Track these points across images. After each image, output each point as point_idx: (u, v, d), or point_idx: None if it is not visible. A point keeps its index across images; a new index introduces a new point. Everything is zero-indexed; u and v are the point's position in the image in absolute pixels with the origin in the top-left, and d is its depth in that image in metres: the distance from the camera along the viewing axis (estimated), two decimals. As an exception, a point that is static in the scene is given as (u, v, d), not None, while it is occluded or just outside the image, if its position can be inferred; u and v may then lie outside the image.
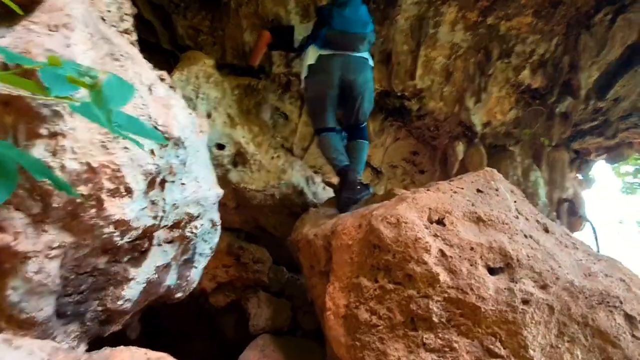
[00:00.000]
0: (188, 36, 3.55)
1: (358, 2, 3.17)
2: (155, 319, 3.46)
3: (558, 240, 2.35)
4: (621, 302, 2.08)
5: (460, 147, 4.96)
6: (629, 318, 2.07)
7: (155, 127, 1.67)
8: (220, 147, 2.94)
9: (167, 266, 2.11)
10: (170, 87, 2.11)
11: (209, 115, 2.85)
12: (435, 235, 2.16)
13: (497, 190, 2.38)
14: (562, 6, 3.86)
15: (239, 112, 3.13)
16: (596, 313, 2.04)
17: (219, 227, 2.34)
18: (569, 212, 6.16)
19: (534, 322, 2.00)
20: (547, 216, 2.99)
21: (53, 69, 0.63)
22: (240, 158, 3.02)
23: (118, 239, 1.74)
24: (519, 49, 4.18)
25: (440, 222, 2.21)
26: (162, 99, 1.79)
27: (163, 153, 1.73)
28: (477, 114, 4.52)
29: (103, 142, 1.55)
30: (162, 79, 2.08)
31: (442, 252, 2.11)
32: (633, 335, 2.04)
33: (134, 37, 2.19)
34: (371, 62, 3.29)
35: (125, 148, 1.61)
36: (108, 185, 1.60)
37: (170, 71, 3.44)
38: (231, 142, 2.98)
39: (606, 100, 4.86)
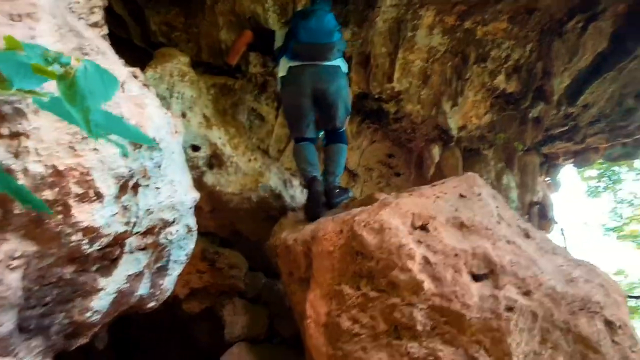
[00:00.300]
0: (161, 32, 3.41)
1: (323, 12, 3.14)
2: (125, 327, 3.30)
3: (539, 245, 2.35)
4: (601, 308, 2.09)
5: (436, 150, 4.98)
6: (608, 323, 2.09)
7: (129, 128, 1.56)
8: (196, 148, 2.82)
9: (139, 274, 1.98)
10: (144, 85, 1.99)
11: (183, 115, 2.73)
12: (419, 242, 2.12)
13: (479, 195, 2.36)
14: (537, 13, 3.92)
15: (215, 112, 3.01)
16: (578, 319, 2.05)
17: (195, 233, 2.23)
18: (539, 215, 6.30)
19: (518, 329, 1.98)
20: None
21: (12, 54, 0.53)
22: (216, 160, 2.91)
23: (87, 247, 1.62)
24: (495, 54, 4.22)
25: (423, 227, 2.17)
26: (136, 98, 1.67)
27: (137, 155, 1.62)
28: (454, 117, 4.54)
29: (71, 143, 1.43)
30: (135, 76, 1.96)
31: (426, 258, 2.07)
32: (613, 341, 2.05)
33: (105, 30, 2.07)
34: (344, 69, 3.28)
35: (95, 150, 1.49)
36: (76, 189, 1.48)
37: (142, 68, 3.30)
38: (207, 143, 2.86)
39: (576, 106, 4.97)
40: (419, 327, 2.00)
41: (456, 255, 2.09)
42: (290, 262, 2.64)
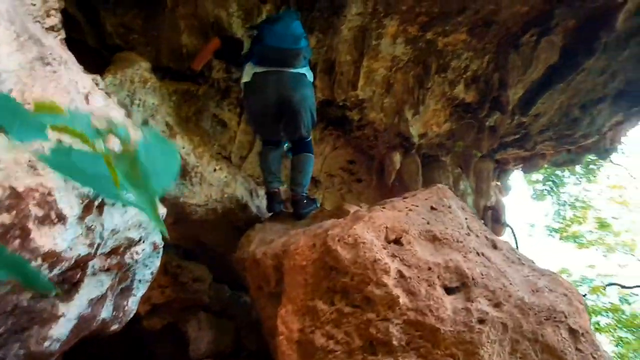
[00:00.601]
0: (118, 35, 3.23)
1: (290, 19, 3.13)
2: (79, 346, 3.10)
3: (505, 256, 2.42)
4: (566, 317, 2.17)
5: (397, 157, 5.04)
6: (572, 332, 2.17)
7: (95, 144, 1.44)
8: (158, 158, 2.69)
9: (102, 297, 1.86)
10: (105, 93, 1.87)
11: (145, 124, 2.59)
12: (393, 256, 2.12)
13: (449, 207, 2.39)
14: (495, 26, 4.05)
15: (178, 120, 2.89)
16: (544, 329, 2.11)
17: (161, 250, 2.12)
18: (493, 219, 6.54)
19: (489, 341, 2.02)
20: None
21: (6, 99, 0.45)
22: (179, 170, 2.79)
23: (46, 272, 1.50)
24: (455, 65, 4.33)
25: (397, 241, 2.17)
26: (101, 110, 1.56)
27: (103, 173, 1.51)
28: (415, 125, 4.61)
29: (31, 161, 1.32)
30: (95, 84, 1.83)
31: (400, 273, 2.07)
32: (577, 349, 2.13)
33: (62, 34, 1.92)
34: (310, 77, 3.26)
35: (58, 168, 1.37)
36: (36, 212, 1.36)
37: (97, 72, 3.11)
38: (170, 153, 2.74)
39: (528, 115, 5.19)
40: (395, 342, 2.00)
41: (429, 268, 2.10)
42: (260, 276, 2.57)
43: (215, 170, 2.94)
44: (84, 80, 1.53)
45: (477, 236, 2.39)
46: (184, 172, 2.80)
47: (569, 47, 4.37)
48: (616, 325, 8.44)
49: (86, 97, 1.50)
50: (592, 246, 10.72)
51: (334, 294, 2.15)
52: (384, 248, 2.12)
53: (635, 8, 4.01)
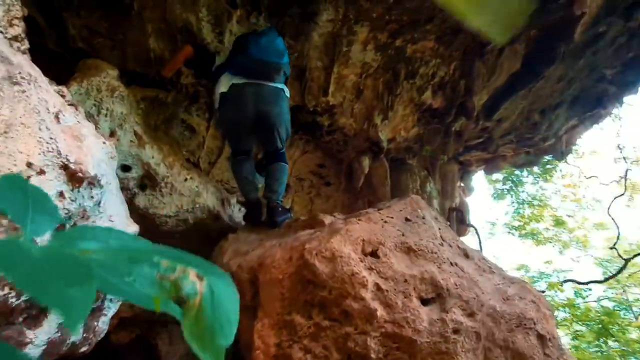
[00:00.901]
0: (82, 38, 3.10)
1: (274, 35, 3.15)
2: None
3: (477, 265, 2.48)
4: (534, 323, 2.26)
5: (366, 161, 5.09)
6: (540, 337, 2.26)
7: (67, 166, 1.38)
8: (126, 168, 2.60)
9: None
10: (71, 104, 1.79)
11: (112, 134, 2.50)
12: (370, 269, 2.13)
13: (423, 218, 2.44)
14: (462, 34, 4.14)
15: (147, 128, 2.80)
16: (515, 336, 2.19)
17: (132, 267, 2.05)
18: (458, 221, 6.71)
19: (464, 350, 2.07)
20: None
21: (13, 180, 0.41)
22: (149, 181, 2.70)
23: (14, 300, 1.43)
24: (423, 71, 4.40)
25: (374, 254, 2.19)
26: (72, 129, 1.49)
27: (75, 195, 1.44)
28: (384, 130, 4.67)
29: None
30: (61, 95, 1.75)
31: (377, 286, 2.09)
32: (545, 354, 2.22)
33: (26, 44, 1.83)
34: (287, 93, 3.27)
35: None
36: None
37: (60, 78, 2.98)
38: (139, 163, 2.65)
39: (492, 120, 5.36)
40: (373, 355, 2.02)
41: (405, 280, 2.14)
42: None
43: (186, 179, 2.87)
44: (54, 98, 1.46)
45: (450, 246, 2.45)
46: (154, 183, 2.71)
47: (530, 56, 4.54)
48: (572, 320, 8.88)
49: (56, 116, 1.43)
50: (549, 243, 11.21)
51: (311, 308, 2.14)
52: (361, 261, 2.14)
53: (592, 20, 4.20)
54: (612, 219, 7.97)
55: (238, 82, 2.97)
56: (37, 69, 1.47)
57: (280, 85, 3.15)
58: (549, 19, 4.05)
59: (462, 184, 7.76)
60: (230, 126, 3.14)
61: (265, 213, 3.37)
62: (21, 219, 0.37)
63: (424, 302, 2.15)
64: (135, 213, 2.74)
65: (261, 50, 2.96)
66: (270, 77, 3.04)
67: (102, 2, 3.10)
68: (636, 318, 9.02)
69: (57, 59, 3.18)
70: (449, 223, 6.31)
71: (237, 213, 3.28)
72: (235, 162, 3.13)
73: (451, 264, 2.29)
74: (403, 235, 2.30)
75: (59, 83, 2.54)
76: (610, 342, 8.63)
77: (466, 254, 2.50)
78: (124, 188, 2.65)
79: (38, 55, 3.20)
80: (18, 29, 1.77)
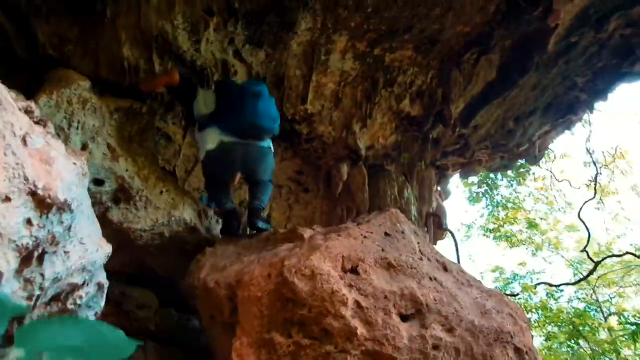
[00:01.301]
0: (52, 45, 2.98)
1: (268, 97, 3.17)
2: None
3: (455, 278, 2.49)
4: (512, 337, 2.28)
5: (344, 168, 5.08)
6: (518, 351, 2.28)
7: (35, 192, 1.31)
8: (99, 182, 2.51)
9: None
10: (39, 122, 1.71)
11: (84, 147, 2.41)
12: (350, 286, 2.12)
13: (403, 232, 2.44)
14: (439, 44, 4.18)
15: (120, 140, 2.71)
16: (493, 350, 2.20)
17: (106, 287, 1.99)
18: (436, 225, 6.78)
19: (443, 366, 2.07)
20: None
21: None
22: (122, 194, 2.62)
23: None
24: (401, 80, 4.43)
25: (354, 270, 2.17)
26: (40, 152, 1.42)
27: (44, 222, 1.37)
28: (362, 138, 4.67)
29: (-40, 219, 1.17)
30: (28, 111, 1.67)
31: (357, 303, 2.08)
32: (522, 367, 2.24)
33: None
34: (272, 147, 3.30)
35: (-8, 221, 1.24)
36: (-34, 272, 1.21)
37: (28, 85, 2.87)
38: (112, 176, 2.56)
39: (468, 127, 5.43)
40: (353, 374, 2.00)
41: (385, 297, 2.13)
42: (212, 305, 2.48)
43: (161, 192, 2.80)
44: (21, 119, 1.39)
45: (429, 260, 2.45)
46: (128, 196, 2.63)
47: (505, 66, 4.61)
48: (544, 321, 9.08)
49: (23, 139, 1.36)
50: (522, 245, 11.44)
51: (291, 326, 2.11)
52: (341, 278, 2.12)
53: (565, 32, 4.30)
54: (583, 223, 8.17)
55: (227, 140, 2.93)
56: (2, 88, 1.39)
57: (268, 144, 3.18)
58: (523, 30, 4.13)
59: (439, 188, 7.85)
60: (213, 179, 3.16)
61: (242, 223, 3.34)
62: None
63: (404, 318, 2.14)
64: (109, 227, 2.66)
65: (258, 115, 2.96)
66: (260, 138, 3.07)
67: (72, 8, 3.00)
68: (605, 319, 9.30)
69: (25, 65, 3.06)
70: (426, 229, 6.37)
71: (214, 225, 3.22)
72: (211, 191, 3.23)
73: (430, 278, 2.30)
74: (383, 250, 2.29)
75: (27, 92, 2.44)
76: (581, 342, 8.86)
77: (445, 267, 2.51)
78: (96, 202, 2.57)
79: (5, 62, 3.09)
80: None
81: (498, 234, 11.53)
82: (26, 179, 1.30)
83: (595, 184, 8.93)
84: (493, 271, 11.50)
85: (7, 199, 1.27)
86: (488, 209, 11.55)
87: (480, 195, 11.25)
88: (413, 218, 6.11)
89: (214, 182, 3.17)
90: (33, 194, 1.32)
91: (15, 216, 1.29)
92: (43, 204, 1.35)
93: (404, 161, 5.38)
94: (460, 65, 4.47)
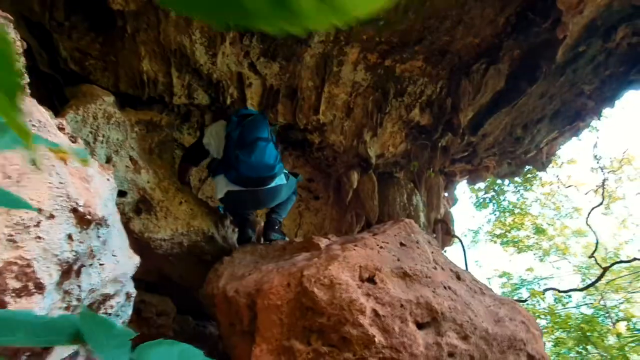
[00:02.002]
0: (73, 60, 3.09)
1: (264, 144, 3.00)
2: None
3: (468, 286, 2.55)
4: (524, 344, 2.33)
5: (355, 176, 5.16)
6: (531, 358, 2.34)
7: (76, 209, 1.40)
8: (122, 194, 2.59)
9: (74, 355, 1.78)
10: (72, 137, 1.80)
11: (108, 160, 2.50)
12: (368, 295, 2.18)
13: (417, 242, 2.50)
14: (449, 55, 4.25)
15: (142, 153, 2.80)
16: (507, 357, 2.26)
17: (133, 297, 2.06)
18: (443, 232, 6.83)
19: (459, 374, 2.13)
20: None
21: None
22: (144, 205, 2.70)
23: (20, 341, 1.42)
24: (411, 90, 4.49)
25: (371, 280, 2.24)
26: (80, 171, 1.51)
27: (84, 237, 1.46)
28: (373, 147, 4.74)
29: (11, 235, 1.25)
30: (61, 128, 1.76)
31: (375, 312, 2.14)
32: (535, 375, 2.30)
33: (26, 79, 1.83)
34: (284, 181, 3.18)
35: (38, 238, 1.32)
36: (14, 284, 1.30)
37: (50, 101, 2.97)
38: (134, 188, 2.65)
39: (477, 135, 5.48)
40: (371, 381, 2.06)
41: (402, 305, 2.19)
42: (232, 314, 2.55)
43: (181, 203, 2.88)
44: (61, 140, 1.47)
45: (442, 269, 2.51)
46: (149, 207, 2.72)
47: (514, 75, 4.67)
48: (553, 327, 9.08)
49: (64, 160, 1.44)
50: (530, 250, 11.45)
51: (310, 334, 2.18)
52: (359, 287, 2.18)
53: (574, 42, 4.35)
54: (591, 228, 8.19)
55: (234, 190, 2.97)
56: (43, 111, 1.48)
57: (278, 183, 3.08)
58: (532, 41, 4.19)
59: (446, 194, 7.89)
60: (232, 214, 3.43)
61: (256, 231, 3.43)
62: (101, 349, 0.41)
63: (420, 326, 2.20)
64: (130, 237, 2.73)
65: (252, 168, 2.90)
66: (266, 184, 3.00)
67: (94, 24, 3.10)
68: (614, 324, 9.29)
69: (47, 79, 3.17)
70: (434, 235, 6.42)
71: (230, 234, 3.29)
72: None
73: (445, 287, 2.36)
74: (398, 260, 2.35)
75: (50, 106, 2.53)
76: (589, 348, 8.86)
77: (458, 276, 2.57)
78: (119, 213, 2.65)
79: (28, 76, 3.18)
80: (19, 65, 1.77)
81: (505, 239, 11.54)
82: (69, 197, 1.38)
83: (603, 190, 8.93)
84: (500, 277, 11.51)
85: (52, 216, 1.35)
86: (495, 214, 11.58)
87: (487, 201, 11.28)
88: (422, 225, 6.17)
89: (233, 216, 3.40)
90: (74, 210, 1.40)
91: (58, 232, 1.37)
92: (83, 220, 1.43)
93: (413, 169, 5.44)
94: (469, 75, 4.53)
